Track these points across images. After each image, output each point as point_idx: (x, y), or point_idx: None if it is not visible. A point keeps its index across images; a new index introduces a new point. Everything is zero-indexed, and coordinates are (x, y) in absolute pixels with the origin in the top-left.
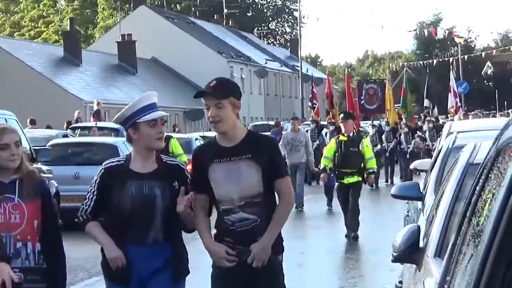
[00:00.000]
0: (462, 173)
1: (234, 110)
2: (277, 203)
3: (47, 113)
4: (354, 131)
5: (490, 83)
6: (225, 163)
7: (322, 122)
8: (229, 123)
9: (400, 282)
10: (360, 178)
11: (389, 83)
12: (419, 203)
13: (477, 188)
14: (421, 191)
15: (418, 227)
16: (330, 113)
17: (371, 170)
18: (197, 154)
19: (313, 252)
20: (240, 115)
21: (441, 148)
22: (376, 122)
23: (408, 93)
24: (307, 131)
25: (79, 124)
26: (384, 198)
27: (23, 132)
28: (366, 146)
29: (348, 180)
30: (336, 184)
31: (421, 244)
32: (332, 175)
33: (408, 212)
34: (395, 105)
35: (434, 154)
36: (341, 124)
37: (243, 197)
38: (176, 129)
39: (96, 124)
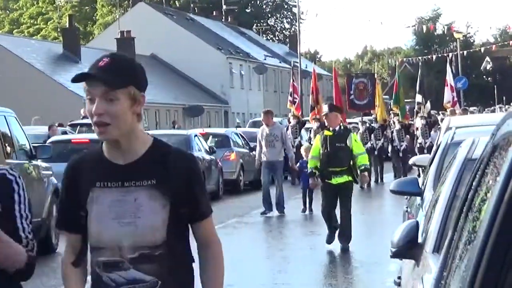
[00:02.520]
0: (461, 169)
1: (134, 107)
2: (199, 261)
3: (46, 110)
4: (341, 125)
5: (489, 79)
6: (113, 190)
7: (305, 118)
8: (124, 127)
9: (399, 277)
10: (350, 178)
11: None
12: (418, 199)
13: (474, 183)
14: (420, 186)
15: (417, 222)
16: (315, 109)
17: (363, 167)
18: (71, 171)
19: (313, 251)
20: (239, 111)
21: (440, 143)
22: (367, 118)
23: (401, 88)
24: (287, 128)
25: (78, 121)
26: (376, 198)
27: (22, 129)
28: (355, 141)
29: (337, 180)
30: (321, 184)
31: (419, 240)
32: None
33: (407, 208)
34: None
35: (433, 149)
36: (325, 118)
37: (138, 247)
38: (176, 126)
39: None
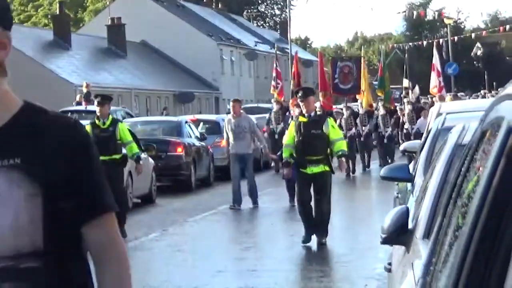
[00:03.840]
0: (451, 154)
1: None
2: (97, 272)
3: (37, 97)
4: (316, 110)
5: (479, 64)
6: None
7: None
8: None
9: (389, 264)
10: (327, 168)
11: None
12: (409, 185)
13: (463, 169)
14: (411, 172)
15: (407, 208)
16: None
17: (341, 153)
18: None
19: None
20: (230, 98)
21: (430, 129)
22: (353, 104)
23: (386, 72)
24: (270, 113)
25: (70, 108)
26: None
27: None
28: (332, 127)
29: (312, 169)
30: (296, 174)
31: (410, 226)
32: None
33: (397, 193)
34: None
35: (424, 135)
36: (300, 103)
37: None
38: (164, 112)
39: (86, 108)
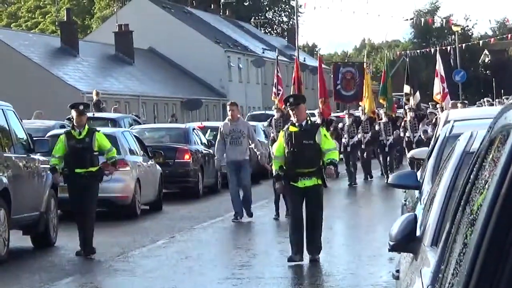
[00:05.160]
0: (459, 162)
1: None
2: None
3: (44, 104)
4: (308, 119)
5: (487, 72)
6: None
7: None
8: None
9: (397, 271)
10: (320, 182)
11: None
12: (417, 192)
13: (471, 176)
14: (418, 179)
15: (415, 216)
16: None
17: (330, 161)
18: None
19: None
20: (238, 104)
21: (438, 136)
22: (355, 112)
23: (389, 78)
24: (270, 120)
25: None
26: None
27: (20, 123)
28: (324, 136)
29: (304, 183)
30: (287, 187)
31: (418, 233)
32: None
33: (405, 200)
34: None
35: (432, 142)
36: (290, 111)
37: None
38: (169, 119)
39: (93, 115)
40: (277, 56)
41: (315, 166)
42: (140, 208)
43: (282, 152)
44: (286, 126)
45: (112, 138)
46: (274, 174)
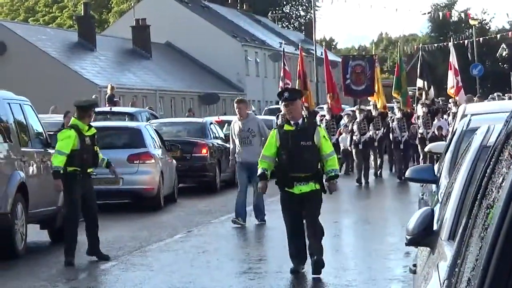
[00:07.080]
0: (476, 156)
1: None
2: None
3: (62, 98)
4: (305, 116)
5: (505, 65)
6: None
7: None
8: None
9: (414, 265)
10: (318, 186)
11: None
12: (434, 186)
13: (488, 170)
14: (435, 174)
15: (432, 210)
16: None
17: (334, 174)
18: None
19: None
20: (255, 99)
21: (455, 130)
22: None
23: (403, 71)
24: (277, 116)
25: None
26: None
27: (37, 117)
28: (323, 137)
29: (301, 189)
30: (280, 193)
31: (435, 227)
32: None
33: (422, 195)
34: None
35: (449, 136)
36: (284, 108)
37: None
38: (187, 114)
39: (111, 109)
40: (283, 49)
41: (313, 170)
42: (163, 200)
43: (274, 153)
44: (280, 125)
45: (136, 132)
46: (259, 173)
